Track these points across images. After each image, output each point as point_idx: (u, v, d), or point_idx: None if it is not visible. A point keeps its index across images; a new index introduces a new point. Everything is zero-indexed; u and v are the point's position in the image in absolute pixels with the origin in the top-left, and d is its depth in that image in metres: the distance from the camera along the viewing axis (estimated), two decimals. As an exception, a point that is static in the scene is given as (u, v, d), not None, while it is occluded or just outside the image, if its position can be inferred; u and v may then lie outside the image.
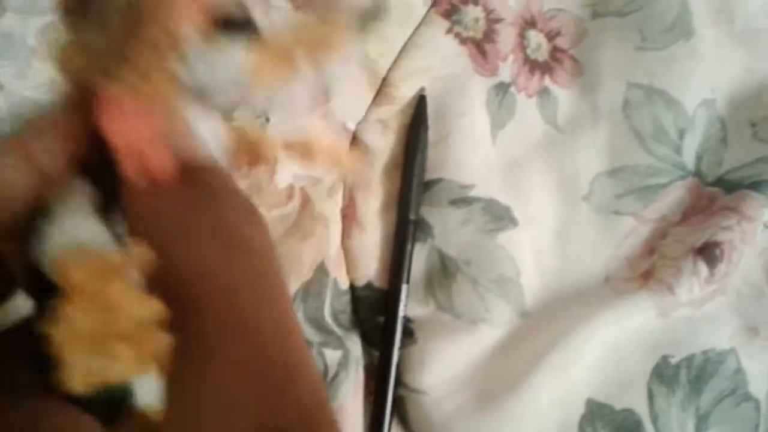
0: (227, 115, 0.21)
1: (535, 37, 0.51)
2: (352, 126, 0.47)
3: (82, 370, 0.16)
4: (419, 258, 0.47)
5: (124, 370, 0.16)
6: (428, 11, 0.49)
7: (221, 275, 0.18)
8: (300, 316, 0.44)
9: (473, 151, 0.48)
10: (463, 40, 0.49)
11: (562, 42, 0.52)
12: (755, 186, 0.48)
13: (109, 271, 0.16)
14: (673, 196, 0.50)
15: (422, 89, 0.48)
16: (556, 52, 0.51)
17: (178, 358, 0.17)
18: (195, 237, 0.18)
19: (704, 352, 0.47)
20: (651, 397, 0.46)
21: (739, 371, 0.47)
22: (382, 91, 0.48)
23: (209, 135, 0.20)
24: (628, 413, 0.46)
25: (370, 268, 0.47)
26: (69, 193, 0.20)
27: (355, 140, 0.47)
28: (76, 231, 0.18)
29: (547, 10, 0.51)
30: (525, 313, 0.47)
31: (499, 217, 0.48)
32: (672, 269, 0.47)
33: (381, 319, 0.46)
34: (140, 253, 0.17)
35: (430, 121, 0.48)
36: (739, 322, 0.48)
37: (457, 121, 0.48)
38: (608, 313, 0.46)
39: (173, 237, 0.18)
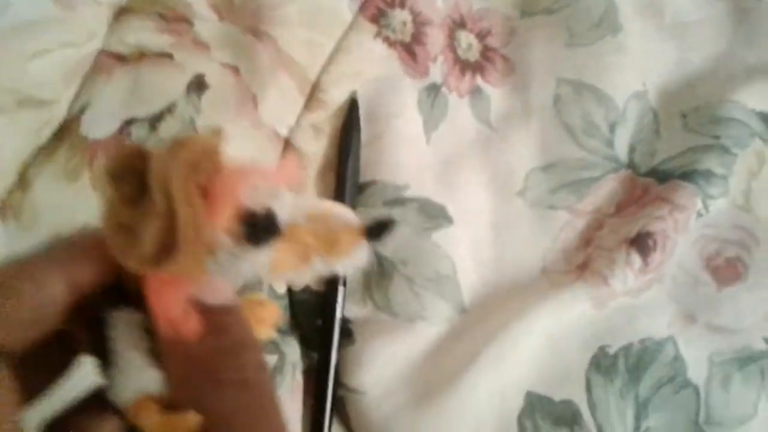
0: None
1: (466, 38, 0.52)
2: (284, 132, 0.47)
3: None
4: (357, 259, 0.48)
5: None
6: (355, 16, 0.50)
7: (238, 416, 0.21)
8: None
9: (407, 152, 0.49)
10: (392, 44, 0.50)
11: (492, 41, 0.52)
12: (686, 176, 0.49)
13: None
14: (607, 188, 0.50)
15: (353, 93, 0.49)
16: (487, 52, 0.52)
17: None
18: (221, 388, 0.21)
19: (642, 341, 0.48)
20: (589, 387, 0.47)
21: (677, 358, 0.48)
22: (313, 96, 0.48)
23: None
24: (567, 404, 0.46)
25: (308, 271, 0.47)
26: (125, 327, 0.22)
27: (287, 146, 0.48)
28: (140, 375, 0.21)
29: (477, 10, 0.52)
30: (463, 309, 0.48)
31: (434, 216, 0.48)
32: (606, 260, 0.48)
33: (319, 321, 0.47)
34: (194, 419, 0.20)
35: (363, 124, 0.48)
36: (676, 309, 0.49)
37: (389, 123, 0.49)
38: (545, 305, 0.47)
39: (203, 386, 0.21)
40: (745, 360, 0.48)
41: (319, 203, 0.22)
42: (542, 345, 0.47)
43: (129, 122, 0.43)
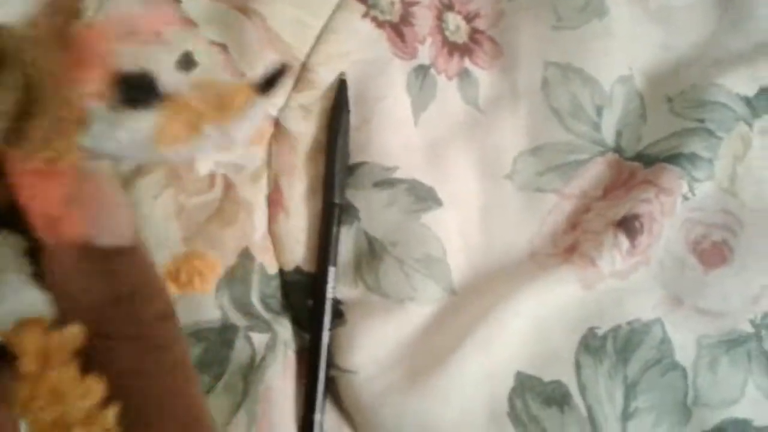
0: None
1: (454, 20, 0.52)
2: (273, 112, 0.47)
3: None
4: (347, 241, 0.48)
5: None
6: (343, -4, 0.49)
7: (136, 375, 0.19)
8: (225, 300, 0.44)
9: (395, 134, 0.49)
10: (380, 24, 0.50)
11: (480, 24, 0.52)
12: (672, 159, 0.49)
13: (55, 357, 0.17)
14: (594, 171, 0.51)
15: (342, 73, 0.48)
16: (474, 34, 0.52)
17: None
18: (116, 342, 0.19)
19: (630, 323, 0.48)
20: (578, 368, 0.47)
21: (664, 340, 0.48)
22: (301, 76, 0.48)
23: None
24: (557, 384, 0.47)
25: (298, 252, 0.47)
26: (2, 250, 0.20)
27: (277, 126, 0.48)
28: (17, 298, 0.19)
29: (465, -7, 0.52)
30: (452, 290, 0.48)
31: (423, 197, 0.48)
32: (594, 242, 0.48)
33: (310, 302, 0.47)
34: (75, 334, 0.18)
35: (352, 105, 0.48)
36: (663, 292, 0.50)
37: (378, 105, 0.49)
38: (533, 287, 0.47)
39: (95, 339, 0.18)
40: (732, 343, 0.49)
41: (204, 72, 0.20)
42: (531, 326, 0.47)
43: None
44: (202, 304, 0.43)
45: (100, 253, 0.19)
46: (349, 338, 0.46)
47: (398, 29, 0.50)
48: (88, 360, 0.18)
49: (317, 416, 0.45)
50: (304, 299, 0.47)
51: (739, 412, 0.48)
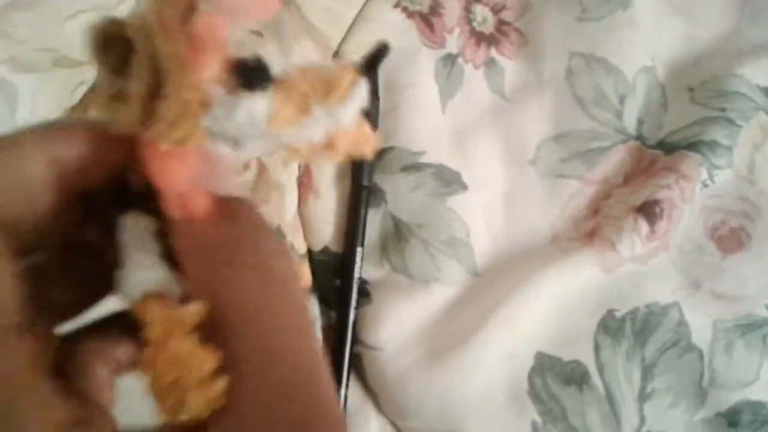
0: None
1: (481, 11, 0.54)
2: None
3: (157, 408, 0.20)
4: (374, 223, 0.49)
5: (191, 412, 0.19)
6: (375, -14, 0.51)
7: (260, 305, 0.20)
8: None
9: (423, 120, 0.50)
10: (411, 14, 0.51)
11: (506, 15, 0.54)
12: (692, 146, 0.51)
13: (177, 328, 0.19)
14: (616, 158, 0.52)
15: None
16: (501, 25, 0.54)
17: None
18: (238, 272, 0.20)
19: (648, 306, 0.50)
20: (597, 348, 0.48)
21: (681, 323, 0.50)
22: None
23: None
24: (576, 364, 0.48)
25: (326, 233, 0.49)
26: (134, 228, 0.22)
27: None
28: (146, 274, 0.21)
29: (492, -16, 0.54)
30: (476, 272, 0.50)
31: (449, 181, 0.50)
32: (614, 227, 0.49)
33: (338, 282, 0.48)
34: (196, 310, 0.20)
35: (381, 92, 0.50)
36: (681, 277, 0.51)
37: (407, 91, 0.50)
38: (555, 270, 0.49)
39: (220, 272, 0.20)
40: (748, 327, 0.50)
41: (307, 59, 0.22)
42: (552, 308, 0.49)
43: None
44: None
45: (218, 199, 0.21)
46: (375, 316, 0.48)
47: (427, 19, 0.52)
48: (206, 330, 0.20)
49: (342, 391, 0.47)
50: (331, 278, 0.49)
51: (754, 394, 0.49)
